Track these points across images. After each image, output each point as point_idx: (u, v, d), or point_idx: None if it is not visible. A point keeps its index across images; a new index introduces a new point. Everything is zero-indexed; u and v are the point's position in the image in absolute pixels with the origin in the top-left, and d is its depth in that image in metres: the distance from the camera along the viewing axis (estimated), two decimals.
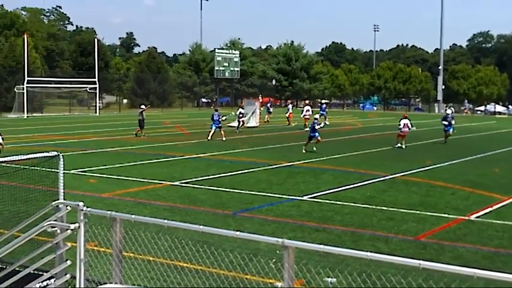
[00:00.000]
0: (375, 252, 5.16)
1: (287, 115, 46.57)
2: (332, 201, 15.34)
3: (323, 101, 52.74)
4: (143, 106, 36.25)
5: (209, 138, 31.72)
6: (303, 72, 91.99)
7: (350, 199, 15.63)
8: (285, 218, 13.47)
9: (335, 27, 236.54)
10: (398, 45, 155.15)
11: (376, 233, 12.18)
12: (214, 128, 32.40)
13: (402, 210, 14.38)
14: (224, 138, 31.48)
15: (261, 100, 52.62)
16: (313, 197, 15.96)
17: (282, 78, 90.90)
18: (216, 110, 34.01)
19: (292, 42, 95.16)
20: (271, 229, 12.27)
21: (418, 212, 14.24)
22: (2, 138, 18.90)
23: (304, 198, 15.84)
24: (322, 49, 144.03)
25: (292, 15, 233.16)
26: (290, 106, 49.08)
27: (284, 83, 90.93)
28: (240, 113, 39.57)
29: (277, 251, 5.31)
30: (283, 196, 16.07)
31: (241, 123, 39.13)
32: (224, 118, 33.67)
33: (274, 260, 6.65)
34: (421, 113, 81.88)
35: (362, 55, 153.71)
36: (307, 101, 56.80)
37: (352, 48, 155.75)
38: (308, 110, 43.16)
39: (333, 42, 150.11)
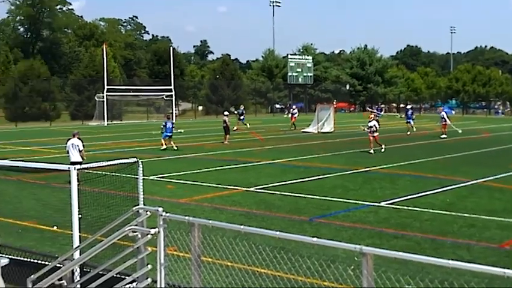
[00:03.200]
0: (457, 260, 5.00)
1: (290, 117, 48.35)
2: (410, 208, 15.02)
3: (408, 106, 48.24)
4: (226, 112, 36.40)
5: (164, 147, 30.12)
6: (377, 76, 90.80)
7: (429, 205, 15.25)
8: (362, 224, 13.28)
9: (410, 30, 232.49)
10: (476, 47, 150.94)
11: (457, 240, 11.82)
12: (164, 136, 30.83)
13: (484, 216, 13.89)
14: (175, 147, 30.04)
15: (335, 105, 52.41)
16: (391, 203, 15.67)
17: (356, 83, 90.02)
18: (168, 118, 33.02)
19: (366, 46, 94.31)
20: (348, 235, 12.12)
21: (501, 218, 13.72)
22: (83, 145, 19.52)
23: (382, 204, 15.58)
24: (397, 52, 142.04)
25: (365, 19, 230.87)
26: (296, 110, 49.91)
27: (358, 87, 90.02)
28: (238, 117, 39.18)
29: (356, 258, 5.24)
30: (360, 202, 15.86)
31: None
32: (179, 131, 32.85)
33: (352, 267, 6.57)
34: (501, 116, 79.08)
35: (438, 58, 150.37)
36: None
37: (428, 51, 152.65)
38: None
39: (408, 45, 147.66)
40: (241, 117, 45.38)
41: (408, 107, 46.56)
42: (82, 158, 18.75)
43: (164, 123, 31.28)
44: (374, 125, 28.48)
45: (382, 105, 65.65)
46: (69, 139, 19.55)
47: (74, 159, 18.48)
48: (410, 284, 6.72)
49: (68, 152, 19.31)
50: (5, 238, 9.99)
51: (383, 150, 27.85)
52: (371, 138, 28.35)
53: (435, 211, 14.60)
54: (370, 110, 56.45)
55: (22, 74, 63.32)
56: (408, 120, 41.32)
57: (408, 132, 39.89)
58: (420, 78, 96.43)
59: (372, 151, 27.61)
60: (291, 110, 50.20)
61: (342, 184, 18.98)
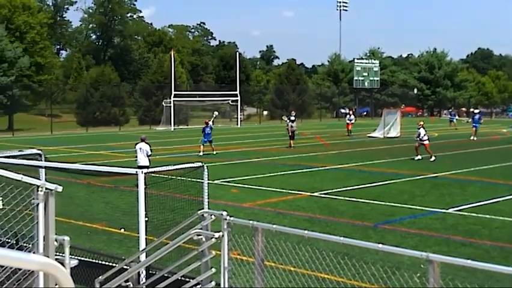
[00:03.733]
0: None
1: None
2: (479, 215, 14.61)
3: (476, 111, 45.61)
4: (285, 117, 36.38)
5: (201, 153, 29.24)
6: (446, 80, 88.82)
7: (499, 212, 14.79)
8: (428, 231, 13.01)
9: (481, 32, 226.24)
10: None
11: None
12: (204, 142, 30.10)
13: None
14: (215, 152, 29.82)
15: (403, 109, 51.32)
16: (459, 210, 15.28)
17: (424, 87, 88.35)
18: (207, 124, 30.83)
19: (435, 49, 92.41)
20: (414, 242, 11.89)
21: None
22: (151, 149, 19.92)
23: (450, 210, 15.21)
24: (467, 56, 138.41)
25: (434, 22, 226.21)
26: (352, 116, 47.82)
27: (426, 91, 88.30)
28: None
29: (422, 265, 5.13)
30: (427, 208, 15.54)
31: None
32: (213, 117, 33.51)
33: (418, 275, 6.43)
34: None
35: (510, 61, 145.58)
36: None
37: (500, 54, 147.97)
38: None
39: (479, 48, 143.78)
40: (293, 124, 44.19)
41: (476, 111, 44.63)
42: (149, 163, 19.14)
43: (202, 129, 30.60)
44: (420, 133, 27.54)
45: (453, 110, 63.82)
46: (137, 143, 19.98)
47: (142, 163, 18.87)
48: None
49: (136, 156, 19.75)
50: (75, 240, 10.29)
51: (432, 159, 26.84)
52: (417, 145, 27.45)
53: (505, 218, 14.14)
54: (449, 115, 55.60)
55: (93, 80, 65.32)
56: (475, 125, 39.94)
57: (472, 138, 38.68)
58: (492, 82, 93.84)
59: (419, 157, 26.80)
60: (348, 115, 47.52)
61: (408, 190, 18.65)
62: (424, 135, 27.48)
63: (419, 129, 28.00)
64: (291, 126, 34.30)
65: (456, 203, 16.23)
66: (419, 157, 26.87)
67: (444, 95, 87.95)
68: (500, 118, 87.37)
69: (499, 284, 6.55)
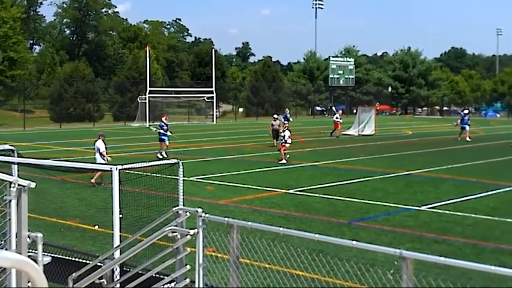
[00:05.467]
0: (500, 266, 4.89)
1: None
2: (452, 212, 14.78)
3: (466, 111, 41.67)
4: (275, 115, 35.28)
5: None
6: (420, 78, 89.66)
7: (471, 210, 14.99)
8: (402, 228, 13.13)
9: (455, 32, 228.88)
10: None
11: (500, 245, 11.59)
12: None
13: None
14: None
15: (378, 107, 51.42)
16: (432, 207, 15.45)
17: (398, 85, 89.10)
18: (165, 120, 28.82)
19: (410, 48, 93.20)
20: (388, 239, 11.99)
21: None
22: (106, 147, 19.80)
23: (423, 208, 15.37)
24: (441, 55, 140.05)
25: (409, 21, 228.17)
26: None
27: (401, 90, 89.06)
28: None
29: (395, 262, 5.18)
30: (400, 206, 15.68)
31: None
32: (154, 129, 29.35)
33: (392, 271, 6.48)
34: None
35: (483, 60, 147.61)
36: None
37: (473, 53, 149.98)
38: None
39: (452, 48, 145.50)
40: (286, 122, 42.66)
41: (466, 111, 41.13)
42: (105, 160, 19.14)
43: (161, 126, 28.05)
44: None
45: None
46: (96, 141, 19.92)
47: (97, 161, 18.79)
48: None
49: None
50: (48, 237, 10.19)
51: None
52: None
53: (478, 216, 14.33)
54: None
55: (67, 76, 64.55)
56: (463, 126, 37.76)
57: (460, 137, 37.22)
58: (465, 80, 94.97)
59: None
60: (335, 114, 43.48)
61: (382, 187, 18.79)
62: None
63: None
64: (272, 125, 33.75)
65: (429, 200, 16.40)
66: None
67: (418, 94, 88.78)
68: (474, 117, 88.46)
69: (471, 281, 6.63)
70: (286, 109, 47.82)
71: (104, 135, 20.46)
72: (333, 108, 44.99)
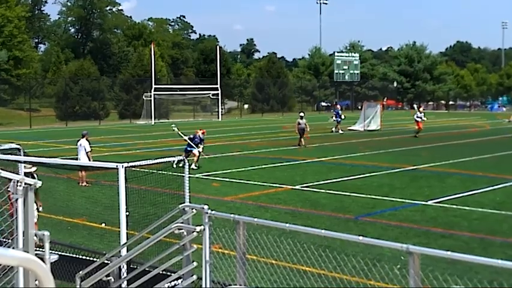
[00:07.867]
0: (507, 260, 4.88)
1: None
2: (458, 207, 14.75)
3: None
4: (302, 114, 33.61)
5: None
6: (426, 73, 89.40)
7: (478, 204, 14.95)
8: (408, 223, 13.11)
9: (460, 26, 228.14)
10: None
11: (507, 239, 11.56)
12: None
13: None
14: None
15: (385, 103, 51.07)
16: (439, 202, 15.42)
17: (403, 80, 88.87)
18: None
19: (415, 42, 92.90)
20: (395, 234, 11.98)
21: None
22: (90, 147, 19.52)
23: (429, 203, 15.34)
24: (446, 49, 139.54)
25: (414, 16, 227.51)
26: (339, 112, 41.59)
27: (406, 84, 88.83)
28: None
29: (402, 257, 5.18)
30: (407, 200, 15.66)
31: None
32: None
33: (398, 266, 6.49)
34: None
35: (489, 54, 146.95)
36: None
37: (478, 47, 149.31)
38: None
39: (457, 42, 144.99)
40: (337, 118, 40.58)
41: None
42: (89, 159, 18.79)
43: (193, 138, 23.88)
44: None
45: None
46: (78, 140, 19.71)
47: (81, 160, 18.54)
48: (458, 284, 6.60)
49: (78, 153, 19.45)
50: (55, 235, 10.22)
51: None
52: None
53: (484, 210, 14.29)
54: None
55: (73, 74, 64.67)
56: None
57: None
58: (470, 74, 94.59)
59: None
60: (334, 113, 41.94)
61: (388, 182, 18.76)
62: None
63: None
64: (299, 123, 31.54)
65: (435, 195, 16.36)
66: None
67: (424, 88, 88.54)
68: (479, 111, 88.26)
69: (478, 276, 6.62)
70: (338, 105, 46.86)
71: (88, 133, 20.32)
72: (333, 111, 44.06)
